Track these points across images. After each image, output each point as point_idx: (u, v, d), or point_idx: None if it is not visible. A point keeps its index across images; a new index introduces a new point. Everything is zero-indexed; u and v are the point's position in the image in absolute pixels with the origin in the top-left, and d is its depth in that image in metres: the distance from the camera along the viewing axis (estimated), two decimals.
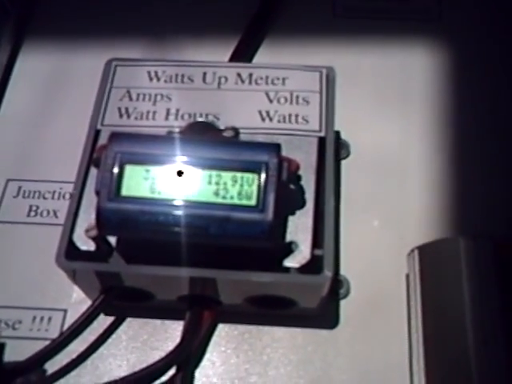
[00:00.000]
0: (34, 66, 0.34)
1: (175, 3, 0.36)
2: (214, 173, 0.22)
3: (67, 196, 0.30)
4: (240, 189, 0.22)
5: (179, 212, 0.22)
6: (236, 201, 0.22)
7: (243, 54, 0.32)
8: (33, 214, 0.30)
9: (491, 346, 0.23)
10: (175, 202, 0.22)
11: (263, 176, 0.22)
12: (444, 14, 0.35)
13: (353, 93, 0.32)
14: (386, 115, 0.32)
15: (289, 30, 0.35)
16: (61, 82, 0.34)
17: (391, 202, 0.30)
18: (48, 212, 0.30)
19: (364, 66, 0.34)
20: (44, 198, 0.30)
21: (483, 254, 0.24)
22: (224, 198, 0.22)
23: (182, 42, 0.34)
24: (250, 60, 0.33)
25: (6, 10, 0.34)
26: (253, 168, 0.22)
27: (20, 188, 0.31)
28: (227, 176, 0.22)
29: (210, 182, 0.22)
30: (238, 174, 0.22)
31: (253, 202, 0.22)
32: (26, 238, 0.29)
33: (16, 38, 0.35)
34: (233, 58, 0.32)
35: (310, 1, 0.36)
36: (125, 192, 0.22)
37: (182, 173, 0.23)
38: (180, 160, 0.23)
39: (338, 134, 0.31)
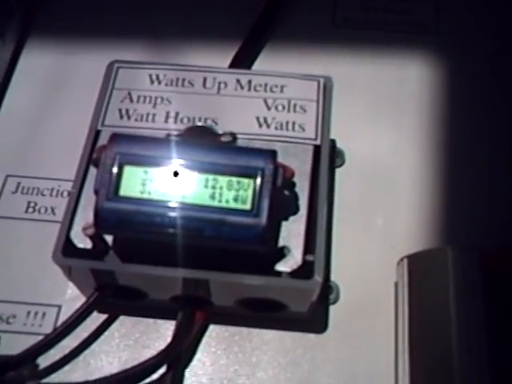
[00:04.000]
0: (36, 64, 0.34)
1: (178, 9, 0.36)
2: (210, 176, 0.23)
3: (65, 193, 0.31)
4: (236, 193, 0.23)
5: (175, 214, 0.23)
6: (231, 205, 0.23)
7: (243, 61, 0.33)
8: (31, 210, 0.30)
9: (475, 353, 0.23)
10: (172, 204, 0.23)
11: (259, 181, 0.23)
12: (441, 28, 0.36)
13: (349, 102, 0.32)
14: (381, 125, 0.33)
15: (289, 39, 0.35)
16: (62, 80, 0.34)
17: (383, 210, 0.30)
18: (46, 209, 0.30)
19: (361, 75, 0.34)
20: (42, 194, 0.31)
21: (470, 264, 0.25)
22: (220, 201, 0.23)
23: (182, 46, 0.35)
24: (249, 66, 0.34)
25: (11, 8, 0.34)
26: (249, 173, 0.23)
27: (19, 184, 0.31)
28: (223, 180, 0.23)
29: (206, 186, 0.23)
30: (234, 179, 0.23)
31: (248, 206, 0.22)
32: (23, 234, 0.30)
33: (20, 36, 0.35)
34: (233, 64, 0.32)
35: (310, 11, 0.36)
36: (123, 192, 0.23)
37: (179, 175, 0.23)
38: (178, 163, 0.23)
39: (333, 142, 0.31)
